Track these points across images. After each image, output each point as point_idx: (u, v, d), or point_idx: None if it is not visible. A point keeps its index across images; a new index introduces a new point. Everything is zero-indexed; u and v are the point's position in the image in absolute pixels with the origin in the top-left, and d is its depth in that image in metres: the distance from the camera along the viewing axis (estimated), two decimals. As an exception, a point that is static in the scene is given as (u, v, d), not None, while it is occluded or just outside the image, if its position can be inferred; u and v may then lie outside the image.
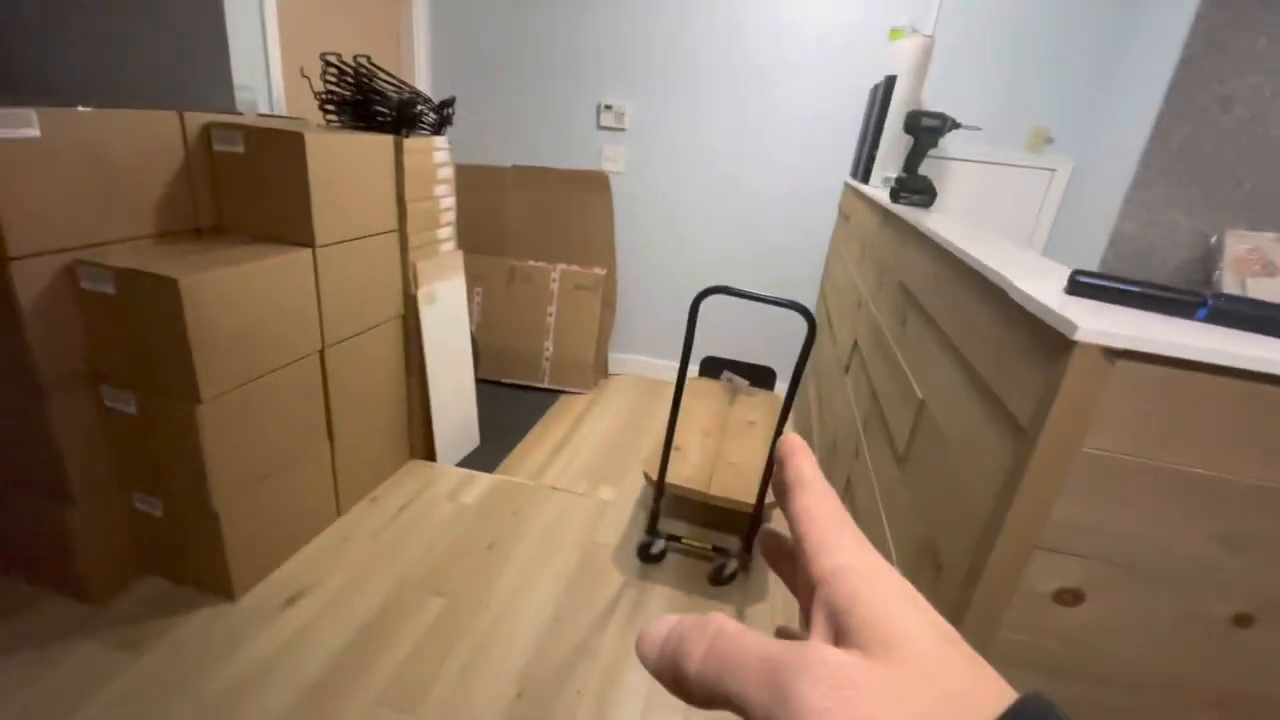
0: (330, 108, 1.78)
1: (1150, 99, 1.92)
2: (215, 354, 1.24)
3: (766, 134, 2.49)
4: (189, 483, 1.31)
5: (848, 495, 1.24)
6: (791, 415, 2.10)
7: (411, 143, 1.75)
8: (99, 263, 1.18)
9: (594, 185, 2.65)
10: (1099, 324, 0.49)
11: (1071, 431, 0.52)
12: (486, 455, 2.19)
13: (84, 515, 1.31)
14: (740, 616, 1.53)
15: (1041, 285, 0.62)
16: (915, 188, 1.35)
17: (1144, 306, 0.58)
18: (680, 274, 2.78)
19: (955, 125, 1.31)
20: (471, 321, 2.71)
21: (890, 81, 1.86)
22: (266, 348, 1.37)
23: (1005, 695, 0.15)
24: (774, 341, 2.71)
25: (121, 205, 1.29)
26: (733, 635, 0.17)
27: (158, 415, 1.27)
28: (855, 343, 1.48)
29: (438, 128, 1.91)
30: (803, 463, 0.21)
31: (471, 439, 2.25)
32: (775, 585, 1.64)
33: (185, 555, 1.41)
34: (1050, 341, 0.53)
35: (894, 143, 1.87)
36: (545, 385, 2.77)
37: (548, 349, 2.76)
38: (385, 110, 1.76)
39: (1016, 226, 2.38)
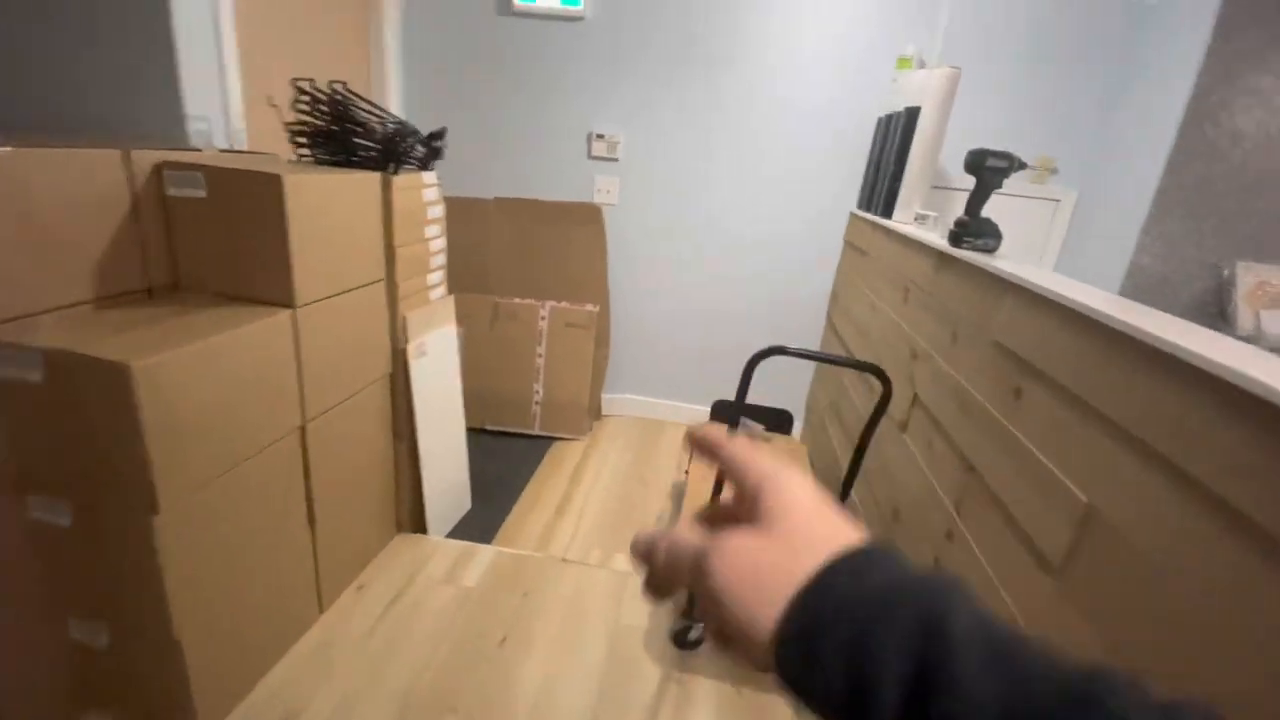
0: (302, 140, 1.55)
1: (1162, 133, 1.91)
2: (176, 451, 1.00)
3: (765, 163, 2.38)
4: (143, 606, 1.06)
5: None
6: (805, 454, 1.96)
7: (400, 180, 1.54)
8: (23, 344, 0.94)
9: (585, 218, 2.48)
10: None
11: None
12: (481, 520, 1.97)
13: (4, 653, 1.04)
14: (799, 713, 1.37)
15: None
16: (981, 231, 1.24)
17: None
18: (678, 308, 2.63)
19: (1022, 165, 1.21)
20: (453, 366, 2.47)
21: (912, 113, 1.77)
22: (238, 434, 1.14)
23: (855, 540, 0.23)
24: (776, 381, 2.58)
25: (53, 265, 1.04)
26: (678, 540, 0.25)
27: (102, 528, 1.02)
28: (915, 397, 1.35)
29: (426, 162, 1.70)
30: (713, 434, 0.29)
31: (463, 503, 2.02)
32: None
33: (137, 690, 1.15)
34: None
35: (919, 177, 1.78)
36: (536, 432, 2.56)
37: (538, 392, 2.55)
38: (369, 144, 1.55)
39: (1021, 256, 2.33)
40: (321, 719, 1.23)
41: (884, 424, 1.46)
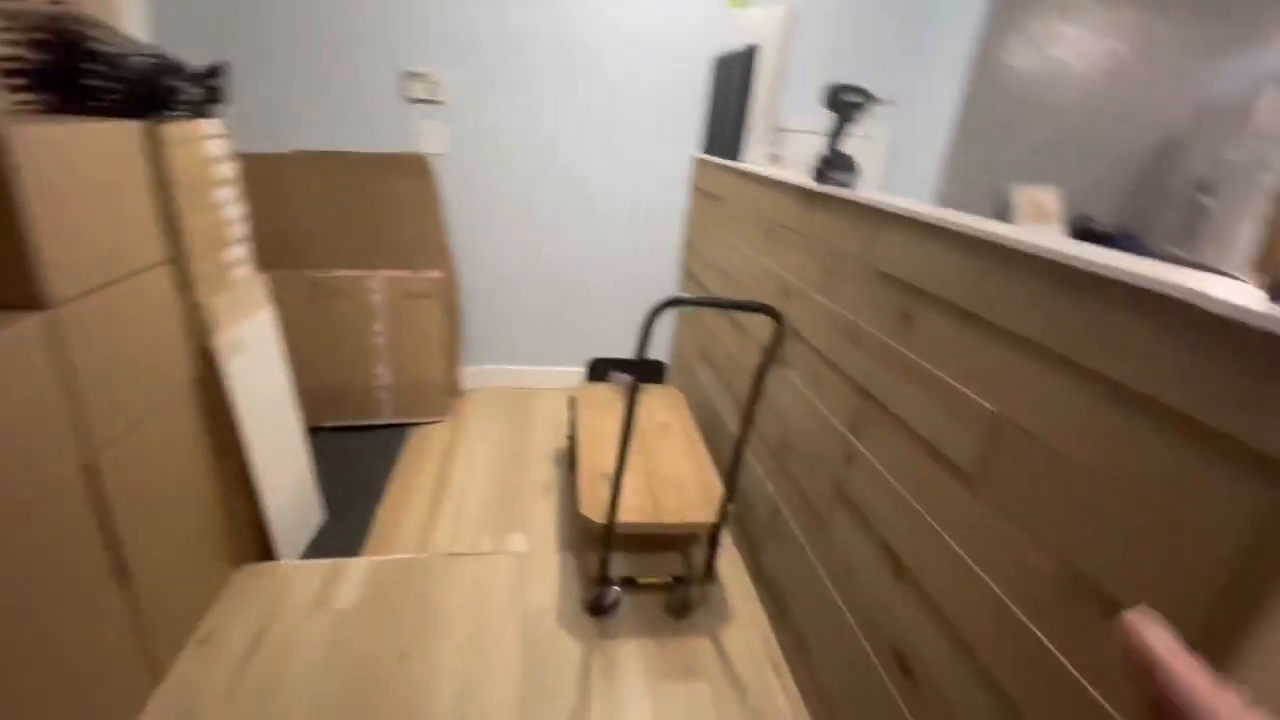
0: (18, 82, 1.13)
1: (956, 74, 2.14)
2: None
3: (599, 104, 2.28)
4: None
5: (840, 500, 1.16)
6: (682, 400, 1.99)
7: (172, 130, 1.20)
8: None
9: (411, 170, 2.19)
10: None
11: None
12: (342, 532, 1.72)
13: None
14: (718, 646, 1.40)
15: (1237, 294, 0.55)
16: (844, 165, 1.28)
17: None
18: (530, 264, 2.47)
19: (875, 100, 1.26)
20: (272, 358, 2.09)
21: (751, 52, 1.78)
22: (-10, 489, 0.83)
23: None
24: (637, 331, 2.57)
25: None
26: None
27: None
28: (795, 333, 1.39)
29: (203, 108, 1.35)
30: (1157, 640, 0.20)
31: (314, 515, 1.74)
32: (740, 604, 1.54)
33: None
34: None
35: (765, 117, 1.80)
36: (388, 421, 2.29)
37: (381, 375, 2.27)
38: (114, 83, 1.17)
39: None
40: (186, 812, 1.00)
41: (739, 357, 1.50)
